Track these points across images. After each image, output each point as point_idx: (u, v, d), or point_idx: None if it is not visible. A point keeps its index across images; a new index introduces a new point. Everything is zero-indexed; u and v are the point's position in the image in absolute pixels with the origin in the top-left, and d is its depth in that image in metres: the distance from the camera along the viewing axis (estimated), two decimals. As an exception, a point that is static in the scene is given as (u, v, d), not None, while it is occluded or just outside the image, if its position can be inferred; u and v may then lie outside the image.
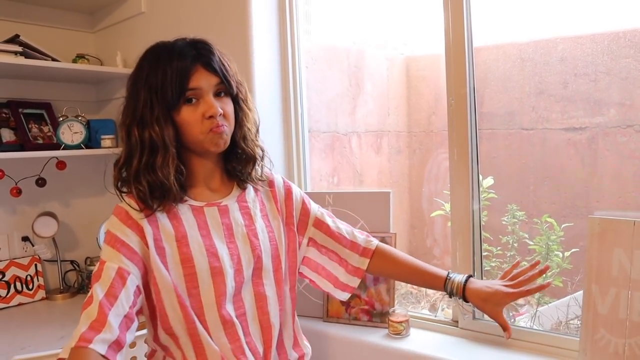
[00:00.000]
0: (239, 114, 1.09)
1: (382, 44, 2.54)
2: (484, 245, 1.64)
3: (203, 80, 1.00)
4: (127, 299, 0.95)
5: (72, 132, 2.08)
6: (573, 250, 1.61)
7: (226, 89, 1.05)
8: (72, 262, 2.29)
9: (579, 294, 1.73)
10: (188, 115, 1.00)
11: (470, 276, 1.17)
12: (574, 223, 1.71)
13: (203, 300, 1.02)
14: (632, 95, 1.86)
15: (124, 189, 1.05)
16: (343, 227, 1.26)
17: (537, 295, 1.68)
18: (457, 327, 1.58)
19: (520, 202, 1.88)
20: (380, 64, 2.52)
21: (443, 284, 1.17)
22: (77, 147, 2.08)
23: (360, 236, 1.26)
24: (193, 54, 1.00)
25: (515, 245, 1.74)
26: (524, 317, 1.70)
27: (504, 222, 1.77)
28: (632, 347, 1.22)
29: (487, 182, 1.68)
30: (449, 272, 1.18)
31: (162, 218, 1.02)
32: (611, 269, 1.27)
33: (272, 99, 1.88)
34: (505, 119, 2.27)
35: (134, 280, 0.97)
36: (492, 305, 1.12)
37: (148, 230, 1.00)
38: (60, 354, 0.91)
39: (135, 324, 0.97)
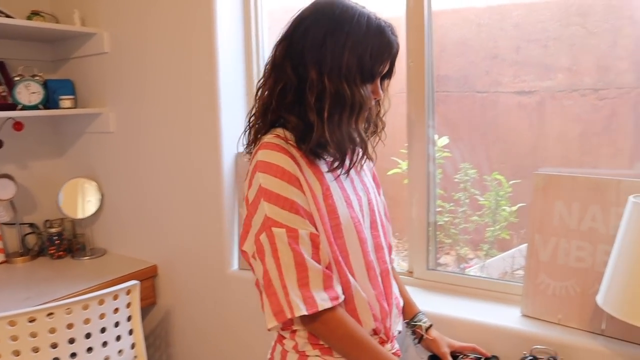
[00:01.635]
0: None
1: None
2: (438, 202, 1.74)
3: (385, 67, 1.08)
4: (325, 259, 1.02)
5: (29, 92, 2.03)
6: (520, 205, 1.73)
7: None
8: (31, 224, 2.28)
9: (524, 246, 1.86)
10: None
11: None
12: (521, 180, 1.82)
13: (349, 249, 1.07)
14: (579, 61, 1.95)
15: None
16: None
17: (485, 247, 1.80)
18: (412, 277, 1.69)
19: (472, 161, 1.97)
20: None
21: (415, 313, 1.34)
22: (35, 107, 2.05)
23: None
24: (395, 45, 1.07)
25: (467, 201, 1.84)
26: (473, 268, 1.82)
27: (456, 180, 1.87)
28: (568, 289, 1.35)
29: (442, 141, 1.77)
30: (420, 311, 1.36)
31: (307, 172, 1.05)
32: (552, 219, 1.38)
33: (235, 61, 1.89)
34: (460, 82, 2.35)
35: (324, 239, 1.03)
36: (441, 346, 1.30)
37: (304, 184, 1.03)
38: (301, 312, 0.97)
39: None
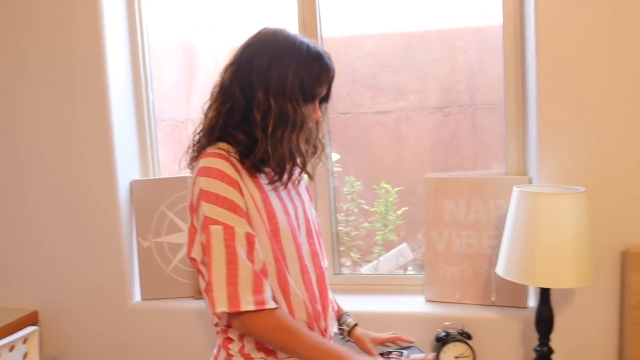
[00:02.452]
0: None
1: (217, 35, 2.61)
2: (334, 212, 1.90)
3: (324, 89, 1.18)
4: (259, 260, 1.08)
5: None
6: (404, 208, 1.98)
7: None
8: None
9: (402, 245, 2.12)
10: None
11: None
12: (403, 187, 2.09)
13: (286, 253, 1.14)
14: (425, 84, 2.31)
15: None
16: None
17: (377, 249, 2.01)
18: (322, 283, 1.81)
19: (353, 174, 2.19)
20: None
21: (340, 315, 1.44)
22: None
23: None
24: (332, 69, 1.17)
25: (355, 210, 2.05)
26: (367, 268, 2.02)
27: (344, 192, 2.06)
28: (462, 272, 1.61)
29: (335, 156, 1.95)
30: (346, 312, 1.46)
31: (248, 181, 1.12)
32: (444, 215, 1.63)
33: (125, 89, 1.85)
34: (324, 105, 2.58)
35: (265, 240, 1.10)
36: (365, 343, 1.40)
37: (244, 189, 1.10)
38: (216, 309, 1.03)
39: None
